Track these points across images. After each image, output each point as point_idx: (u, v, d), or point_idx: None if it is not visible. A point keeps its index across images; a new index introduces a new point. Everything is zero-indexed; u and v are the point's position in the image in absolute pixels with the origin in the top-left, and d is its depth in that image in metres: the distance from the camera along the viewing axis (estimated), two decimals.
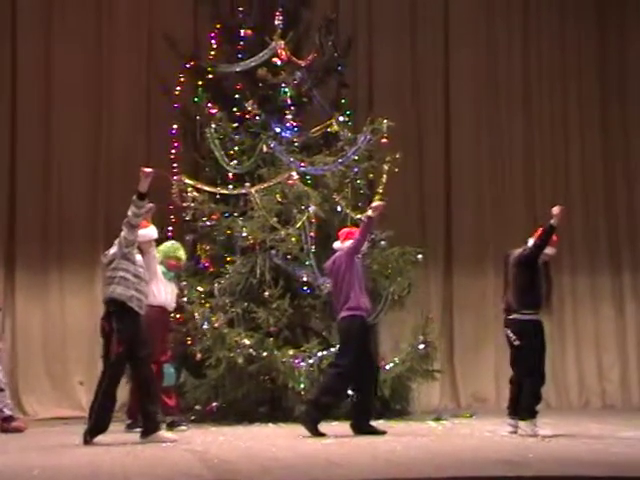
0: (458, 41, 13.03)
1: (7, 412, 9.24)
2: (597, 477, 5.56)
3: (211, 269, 10.72)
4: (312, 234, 10.37)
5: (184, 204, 10.40)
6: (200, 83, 11.22)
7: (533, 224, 12.46)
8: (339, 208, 10.66)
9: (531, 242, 8.61)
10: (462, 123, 12.96)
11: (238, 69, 11.12)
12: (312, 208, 10.39)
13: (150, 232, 8.68)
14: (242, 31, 11.27)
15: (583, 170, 13.31)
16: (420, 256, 10.85)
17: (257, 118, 10.84)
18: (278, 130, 10.76)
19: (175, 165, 10.95)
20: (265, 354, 9.83)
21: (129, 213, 7.79)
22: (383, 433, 8.36)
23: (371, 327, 9.42)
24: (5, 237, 11.57)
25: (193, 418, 9.96)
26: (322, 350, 10.07)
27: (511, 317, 8.51)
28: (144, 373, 7.86)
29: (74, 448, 7.46)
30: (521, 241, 8.86)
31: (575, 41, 13.46)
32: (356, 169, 10.83)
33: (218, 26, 11.57)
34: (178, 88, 11.31)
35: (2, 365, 9.54)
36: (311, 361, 9.92)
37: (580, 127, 13.38)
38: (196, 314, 10.00)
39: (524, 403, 8.35)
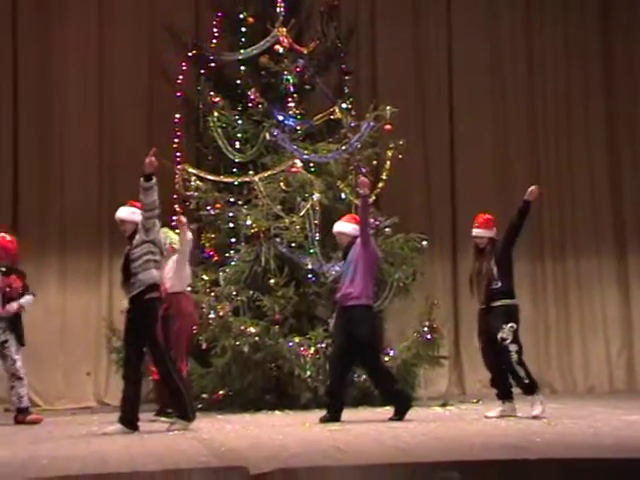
0: (461, 27, 12.97)
1: (24, 404, 9.11)
2: (603, 459, 5.56)
3: (216, 258, 10.73)
4: (316, 222, 10.37)
5: (188, 193, 10.40)
6: (202, 72, 11.23)
7: (538, 208, 12.49)
8: (343, 195, 10.65)
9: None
10: (466, 108, 12.88)
11: (240, 57, 11.09)
12: (316, 196, 10.38)
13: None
14: (244, 19, 11.25)
15: (588, 156, 13.22)
16: (425, 243, 10.84)
17: (260, 106, 10.83)
18: (281, 118, 10.74)
19: (178, 154, 10.93)
20: (271, 342, 9.84)
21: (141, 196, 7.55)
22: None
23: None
24: (9, 229, 11.54)
25: (200, 406, 9.96)
26: (328, 338, 10.08)
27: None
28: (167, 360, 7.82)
29: (82, 438, 7.48)
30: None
31: (579, 30, 13.31)
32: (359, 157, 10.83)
33: (219, 14, 11.55)
34: (180, 77, 11.28)
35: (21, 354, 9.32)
36: (318, 347, 9.93)
37: (585, 114, 13.32)
38: (201, 303, 10.01)
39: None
